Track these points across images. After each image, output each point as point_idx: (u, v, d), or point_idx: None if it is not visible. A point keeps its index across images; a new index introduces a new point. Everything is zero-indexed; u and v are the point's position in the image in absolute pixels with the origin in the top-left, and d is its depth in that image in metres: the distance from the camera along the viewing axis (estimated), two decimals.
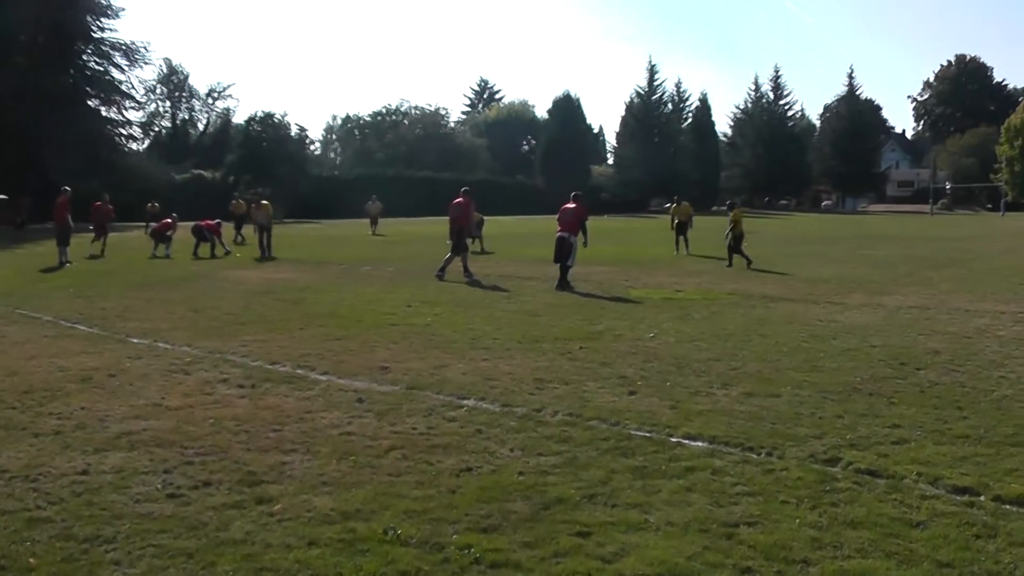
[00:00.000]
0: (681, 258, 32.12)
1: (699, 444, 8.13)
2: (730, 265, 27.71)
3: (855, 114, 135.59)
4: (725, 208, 33.57)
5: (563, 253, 21.78)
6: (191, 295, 19.78)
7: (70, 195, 30.41)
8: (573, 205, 22.64)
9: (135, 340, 13.82)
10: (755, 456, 7.78)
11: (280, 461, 7.59)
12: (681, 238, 34.65)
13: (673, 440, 8.25)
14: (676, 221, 35.44)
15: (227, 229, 36.14)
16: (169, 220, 34.27)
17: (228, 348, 13.07)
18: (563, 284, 21.23)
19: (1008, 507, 6.59)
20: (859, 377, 11.08)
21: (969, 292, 20.69)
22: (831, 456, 7.74)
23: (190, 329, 14.94)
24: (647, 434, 8.43)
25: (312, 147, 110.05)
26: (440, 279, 23.18)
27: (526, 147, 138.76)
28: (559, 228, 22.30)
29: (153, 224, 36.36)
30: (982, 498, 6.76)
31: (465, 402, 9.77)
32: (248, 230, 39.05)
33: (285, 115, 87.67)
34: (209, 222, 33.70)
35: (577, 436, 8.34)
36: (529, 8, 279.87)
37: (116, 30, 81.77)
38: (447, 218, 25.60)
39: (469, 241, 27.10)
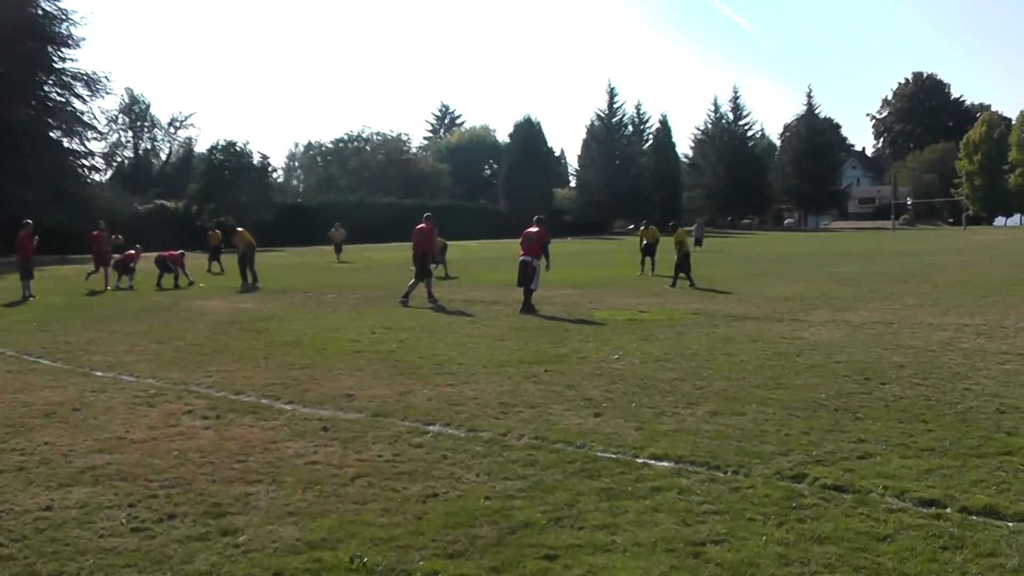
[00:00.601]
0: (645, 279, 32.23)
1: (665, 464, 8.14)
2: (692, 284, 27.84)
3: (815, 133, 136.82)
4: (669, 228, 33.95)
5: (526, 277, 21.79)
6: (155, 327, 19.64)
7: (32, 228, 30.17)
8: (536, 229, 22.63)
9: (99, 373, 13.71)
10: (721, 474, 7.80)
11: (245, 492, 7.54)
12: (648, 259, 34.93)
13: (639, 461, 8.25)
14: (644, 243, 35.71)
15: (192, 260, 35.79)
16: (132, 252, 33.96)
17: (192, 379, 12.98)
18: (527, 307, 21.25)
19: (974, 518, 6.64)
20: (824, 393, 11.13)
21: (932, 306, 20.86)
22: (797, 472, 7.76)
23: (154, 361, 14.83)
24: (613, 455, 8.43)
25: (275, 175, 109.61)
26: (404, 305, 23.13)
27: (488, 171, 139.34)
28: (522, 252, 22.30)
29: (116, 256, 36.08)
30: (948, 510, 6.80)
31: (431, 428, 9.74)
32: (229, 261, 38.64)
33: (247, 143, 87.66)
34: (173, 252, 33.45)
35: (543, 459, 8.33)
36: (489, 34, 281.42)
37: (76, 60, 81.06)
38: (411, 244, 25.51)
39: (433, 266, 27.08)
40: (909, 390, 11.25)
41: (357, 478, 7.87)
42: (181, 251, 34.21)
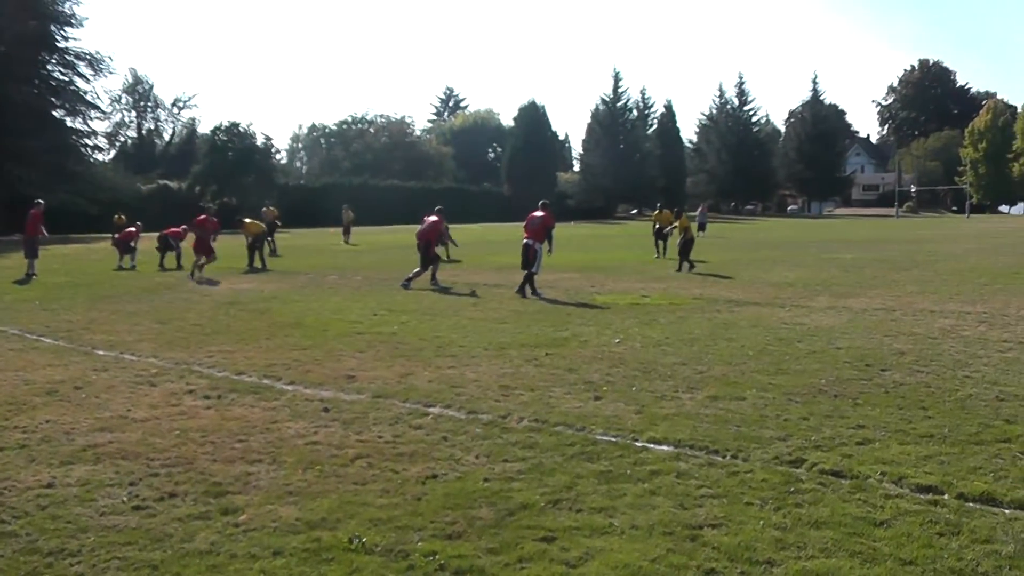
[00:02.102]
0: (650, 263, 32.28)
1: (664, 448, 8.16)
2: (679, 270, 28.00)
3: (820, 119, 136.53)
4: (674, 214, 34.34)
5: (529, 259, 21.75)
6: (157, 306, 19.67)
7: (43, 208, 30.08)
8: (541, 213, 22.54)
9: (101, 352, 13.74)
10: (720, 459, 7.82)
11: (246, 471, 7.57)
12: (661, 243, 35.34)
13: (638, 444, 8.27)
14: (657, 227, 35.99)
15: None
16: (132, 229, 33.76)
17: (194, 359, 13.01)
18: (525, 289, 21.20)
19: (971, 505, 6.66)
20: (824, 379, 11.15)
21: (934, 293, 20.86)
22: (796, 457, 7.78)
23: (156, 341, 14.86)
24: (612, 439, 8.46)
25: (278, 156, 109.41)
26: (406, 288, 23.11)
27: (492, 155, 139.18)
28: (525, 235, 22.26)
29: (117, 235, 35.84)
30: (946, 496, 6.82)
31: (431, 410, 9.77)
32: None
33: (251, 125, 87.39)
34: (175, 230, 33.20)
35: (543, 442, 8.35)
36: (494, 18, 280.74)
37: (79, 39, 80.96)
38: (415, 229, 25.43)
39: (441, 247, 27.13)
40: (909, 377, 11.27)
41: (357, 459, 7.90)
42: (184, 227, 33.85)
